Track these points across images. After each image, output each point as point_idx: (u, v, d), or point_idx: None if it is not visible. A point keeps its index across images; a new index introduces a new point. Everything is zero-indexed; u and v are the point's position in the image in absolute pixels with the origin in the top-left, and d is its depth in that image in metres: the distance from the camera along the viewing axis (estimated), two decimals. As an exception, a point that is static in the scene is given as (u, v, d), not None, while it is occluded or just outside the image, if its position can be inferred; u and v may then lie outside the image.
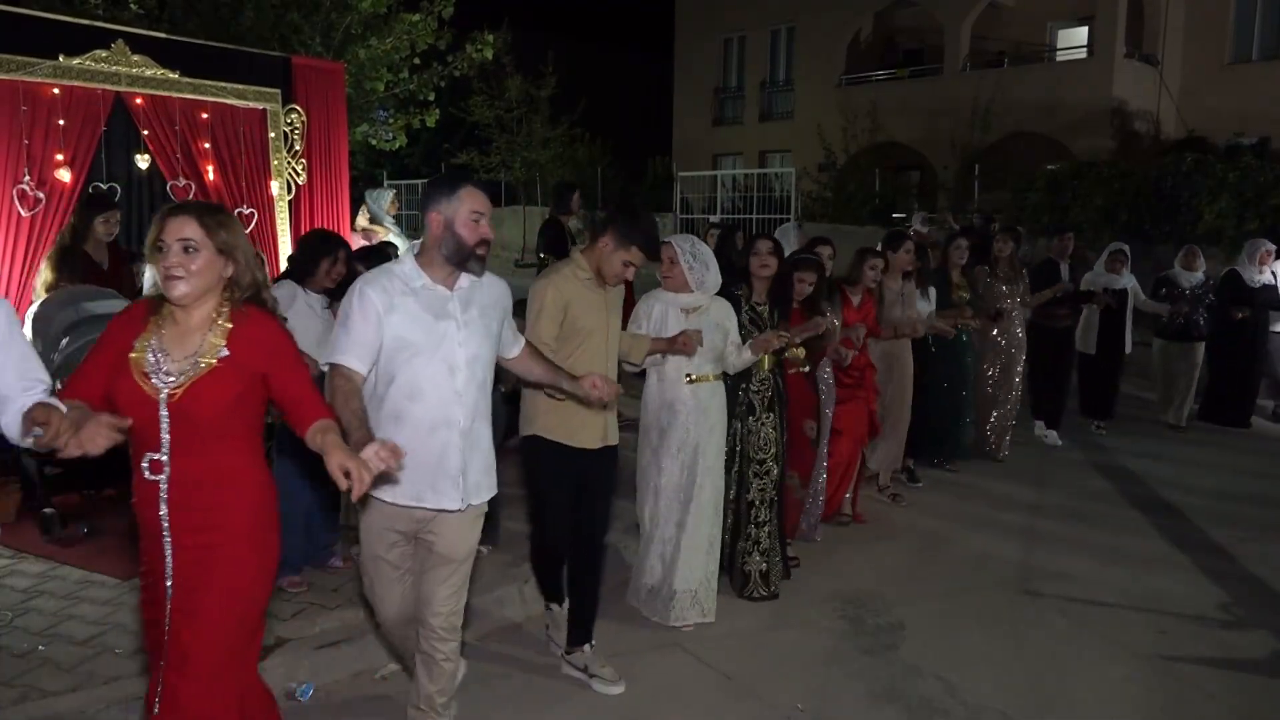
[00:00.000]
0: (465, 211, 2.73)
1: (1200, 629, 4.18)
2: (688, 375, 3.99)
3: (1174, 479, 6.46)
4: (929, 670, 3.74)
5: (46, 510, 4.54)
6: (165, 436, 2.28)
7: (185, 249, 2.30)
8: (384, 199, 8.15)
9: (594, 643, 3.67)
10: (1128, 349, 7.80)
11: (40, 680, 3.29)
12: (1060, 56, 19.60)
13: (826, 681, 3.66)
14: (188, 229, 2.31)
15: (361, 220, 8.28)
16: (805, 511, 5.09)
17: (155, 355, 2.31)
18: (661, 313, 4.00)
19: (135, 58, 6.37)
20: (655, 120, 24.70)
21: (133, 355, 2.31)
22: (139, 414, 2.27)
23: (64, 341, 4.34)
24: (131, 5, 10.25)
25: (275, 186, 7.28)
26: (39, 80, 5.91)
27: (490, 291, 2.90)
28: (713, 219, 16.61)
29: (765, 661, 3.81)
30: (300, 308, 4.06)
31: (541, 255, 7.46)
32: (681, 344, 3.80)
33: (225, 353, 2.33)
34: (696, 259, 3.98)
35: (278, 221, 7.28)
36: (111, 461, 2.37)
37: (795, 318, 4.68)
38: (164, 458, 2.30)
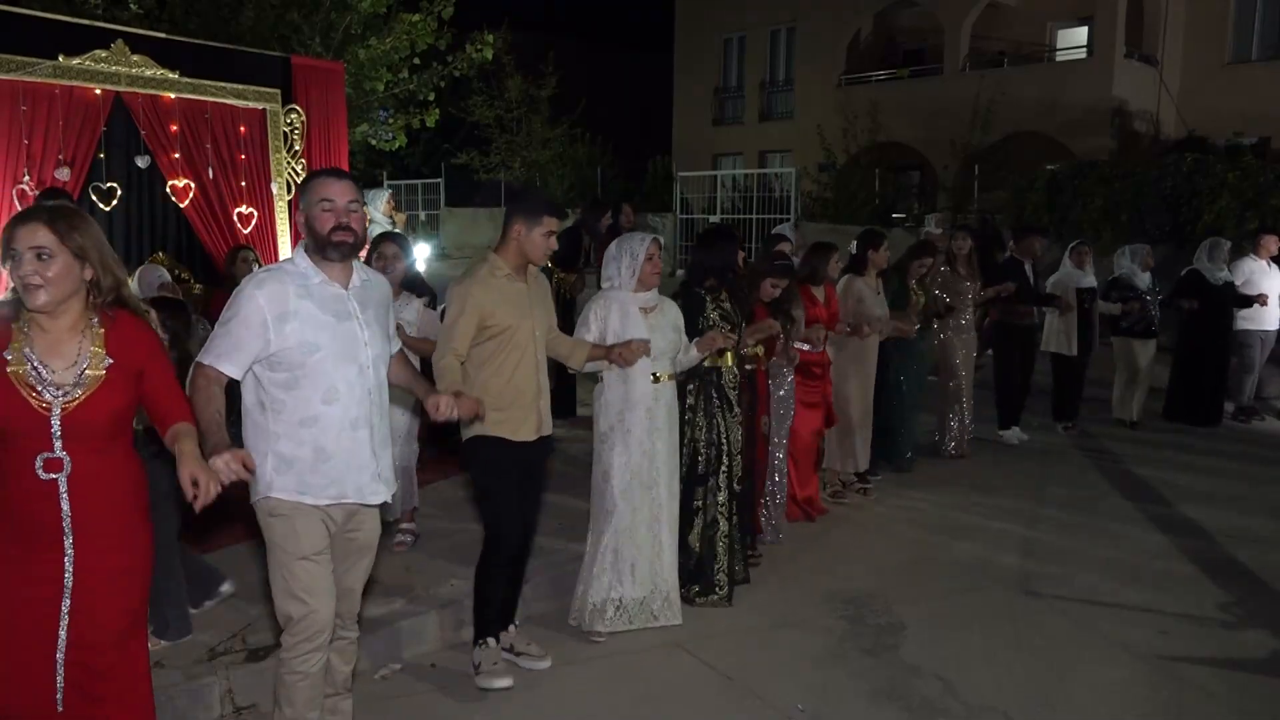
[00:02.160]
0: (315, 201, 2.69)
1: (1201, 629, 4.18)
2: (653, 374, 3.93)
3: (1173, 478, 6.45)
4: (929, 670, 3.74)
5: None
6: (58, 440, 2.27)
7: (39, 256, 2.25)
8: (379, 199, 8.14)
9: (517, 623, 3.74)
10: (1095, 348, 7.83)
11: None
12: (1060, 56, 19.60)
13: (826, 681, 3.66)
14: (39, 235, 2.25)
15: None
16: (765, 512, 5.07)
17: (35, 366, 2.28)
18: (620, 313, 3.92)
19: (135, 58, 6.38)
20: (655, 120, 24.69)
21: (10, 369, 2.26)
22: (25, 425, 2.25)
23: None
24: (131, 5, 10.25)
25: (275, 186, 7.28)
26: (39, 80, 5.91)
27: (380, 290, 2.93)
28: (712, 219, 16.59)
29: (765, 661, 3.81)
30: None
31: (549, 262, 7.37)
32: (618, 355, 3.74)
33: (110, 360, 2.34)
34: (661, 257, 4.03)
35: (278, 221, 7.28)
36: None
37: (759, 316, 4.73)
38: (62, 456, 2.28)
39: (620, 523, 3.94)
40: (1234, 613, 4.36)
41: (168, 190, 6.74)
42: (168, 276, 5.74)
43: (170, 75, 6.56)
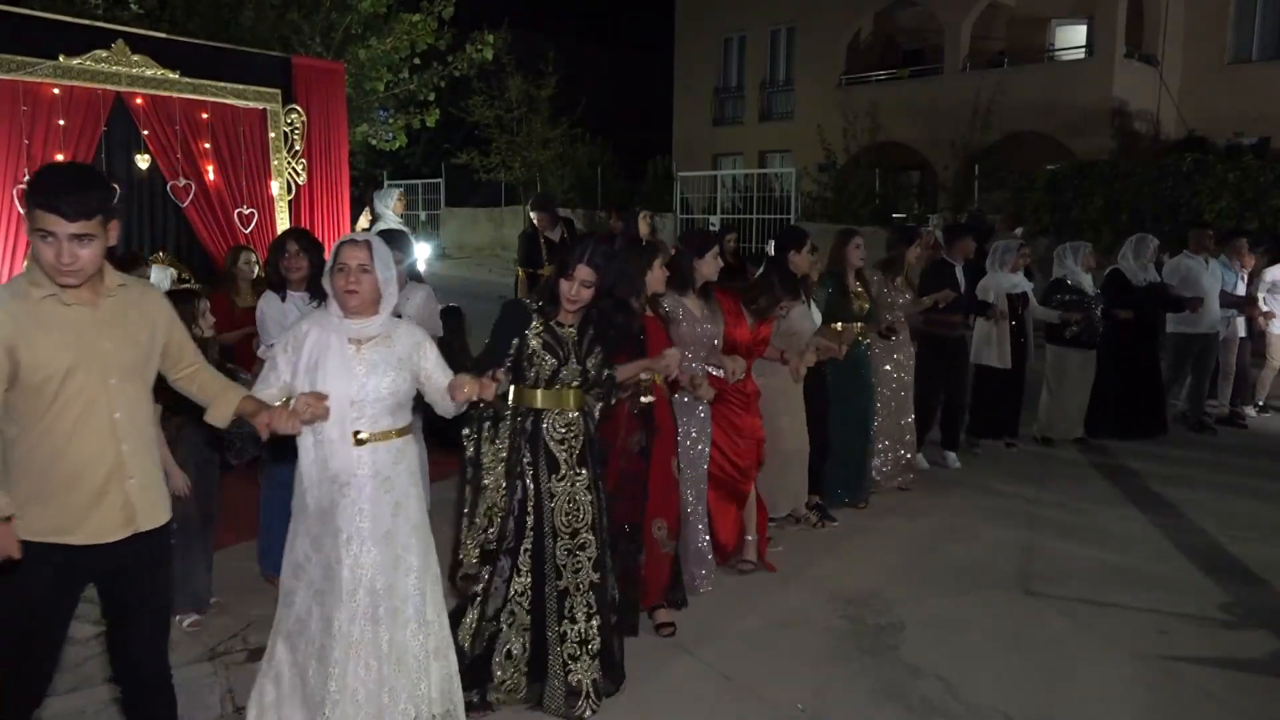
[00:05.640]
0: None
1: (1201, 629, 4.18)
2: (356, 434, 2.77)
3: (1171, 480, 6.45)
4: (929, 670, 3.74)
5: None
6: None
7: None
8: (389, 198, 8.21)
9: None
10: (1030, 358, 7.06)
11: (40, 680, 3.29)
12: (1060, 56, 19.61)
13: (826, 681, 3.65)
14: None
15: (363, 222, 8.30)
16: (687, 562, 4.29)
17: None
18: (319, 344, 2.77)
19: (135, 58, 6.39)
20: (655, 120, 24.71)
21: None
22: None
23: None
24: (132, 5, 10.27)
25: (275, 186, 7.29)
26: (39, 80, 5.92)
27: None
28: (713, 219, 16.58)
29: (765, 661, 3.81)
30: (288, 310, 4.16)
31: (520, 270, 7.44)
32: (269, 420, 2.58)
33: None
34: (389, 267, 2.84)
35: (278, 222, 7.30)
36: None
37: (653, 334, 3.84)
38: None
39: (304, 631, 2.83)
40: (1234, 613, 4.36)
41: (168, 190, 6.75)
42: (173, 277, 5.74)
43: (171, 75, 6.57)
